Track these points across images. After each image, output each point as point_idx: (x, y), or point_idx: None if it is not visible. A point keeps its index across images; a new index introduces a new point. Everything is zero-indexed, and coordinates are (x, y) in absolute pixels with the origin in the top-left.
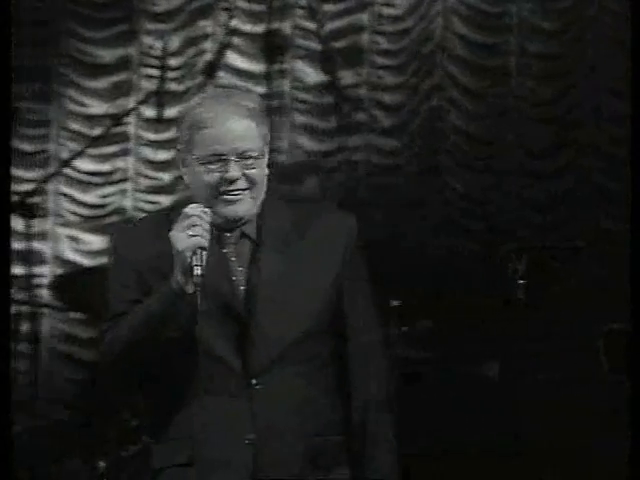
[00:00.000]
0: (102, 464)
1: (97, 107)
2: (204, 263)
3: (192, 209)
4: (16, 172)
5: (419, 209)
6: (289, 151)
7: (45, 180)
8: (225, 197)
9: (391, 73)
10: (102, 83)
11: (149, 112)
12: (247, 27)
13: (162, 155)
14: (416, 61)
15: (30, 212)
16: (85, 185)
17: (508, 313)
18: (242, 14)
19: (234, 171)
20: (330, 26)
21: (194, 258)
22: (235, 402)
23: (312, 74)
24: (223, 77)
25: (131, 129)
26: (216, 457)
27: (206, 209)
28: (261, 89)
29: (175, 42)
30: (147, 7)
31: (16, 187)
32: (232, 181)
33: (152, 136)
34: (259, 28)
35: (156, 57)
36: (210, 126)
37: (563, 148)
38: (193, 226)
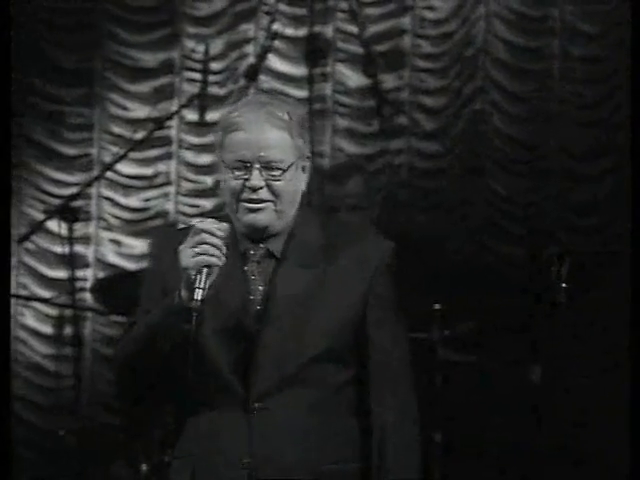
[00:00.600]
0: (145, 467)
1: (140, 111)
2: (207, 285)
3: (204, 224)
4: (59, 176)
5: (461, 212)
6: (331, 155)
7: (88, 184)
8: (247, 205)
9: (433, 76)
10: (145, 87)
11: (191, 116)
12: (289, 31)
13: (204, 158)
14: (458, 64)
15: (73, 216)
16: (127, 189)
17: (550, 317)
18: (284, 17)
19: (256, 179)
20: (372, 29)
21: (197, 278)
22: (234, 424)
23: (354, 77)
24: (265, 81)
25: (173, 133)
26: (213, 478)
27: (223, 224)
28: (303, 93)
29: (217, 46)
30: (189, 11)
31: (59, 191)
32: (254, 189)
33: (194, 139)
34: (301, 32)
35: (198, 61)
36: (239, 131)
37: (606, 151)
38: (201, 244)
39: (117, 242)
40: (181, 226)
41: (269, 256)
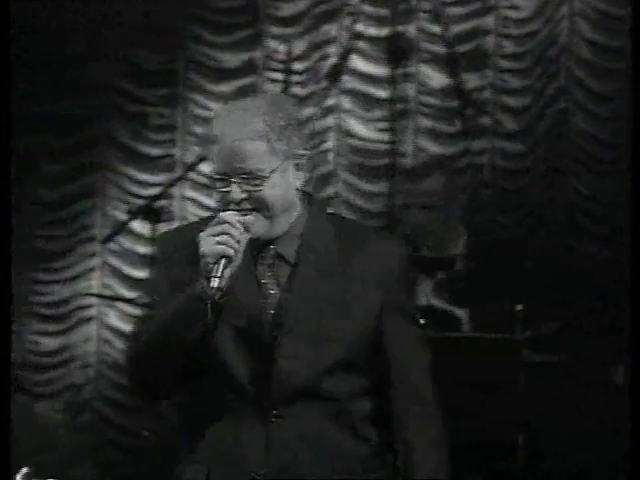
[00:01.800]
0: None
1: None
2: (225, 275)
3: (228, 215)
4: (143, 177)
5: (544, 212)
6: (413, 154)
7: (171, 184)
8: None
9: (516, 76)
10: (227, 87)
11: None
12: (372, 31)
13: None
14: (541, 64)
15: (156, 216)
16: (210, 189)
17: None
18: (367, 18)
19: (236, 192)
20: (455, 29)
21: (215, 267)
22: (249, 433)
23: (436, 78)
24: (347, 81)
25: None
26: None
27: (246, 217)
28: (385, 93)
29: (300, 46)
30: (272, 11)
31: (143, 191)
32: (236, 202)
33: None
34: (384, 32)
35: (281, 61)
36: (217, 142)
37: None
38: (222, 234)
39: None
40: (191, 221)
41: (281, 260)
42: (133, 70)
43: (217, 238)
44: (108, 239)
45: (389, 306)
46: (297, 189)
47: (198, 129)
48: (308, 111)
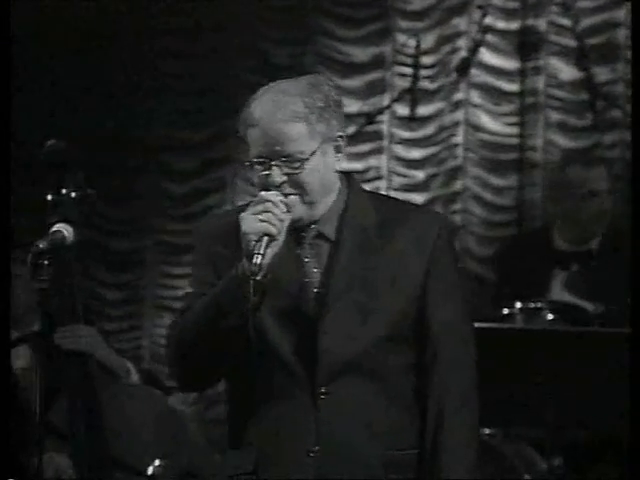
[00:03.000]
0: None
1: (351, 106)
2: (266, 252)
3: (270, 195)
4: None
5: None
6: (543, 148)
7: None
8: None
9: None
10: (356, 82)
11: (402, 110)
12: (501, 24)
13: (416, 153)
14: None
15: None
16: None
17: None
18: (496, 11)
19: (276, 176)
20: (585, 22)
21: (257, 245)
22: (300, 411)
23: (567, 71)
24: (476, 75)
25: (384, 127)
26: (279, 468)
27: (290, 197)
28: (514, 86)
29: (429, 40)
30: (401, 5)
31: None
32: (276, 186)
33: (405, 134)
34: (513, 25)
35: (409, 55)
36: (256, 125)
37: None
38: (265, 212)
39: None
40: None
41: (322, 239)
42: (262, 64)
43: (260, 216)
44: None
45: (432, 280)
46: (336, 171)
47: None
48: (437, 105)
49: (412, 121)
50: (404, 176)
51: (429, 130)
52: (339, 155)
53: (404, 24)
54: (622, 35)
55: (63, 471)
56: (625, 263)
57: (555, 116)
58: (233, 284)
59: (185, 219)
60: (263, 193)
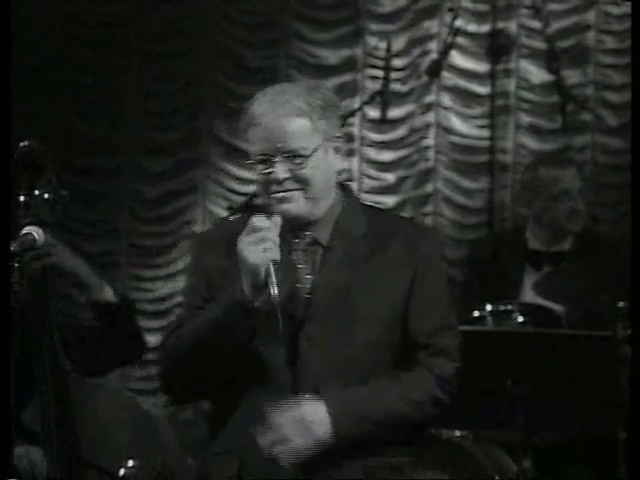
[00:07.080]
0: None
1: None
2: (277, 279)
3: (260, 221)
4: (243, 173)
5: None
6: (514, 151)
7: None
8: (276, 197)
9: (618, 72)
10: (327, 84)
11: (373, 113)
12: (472, 27)
13: (386, 156)
14: None
15: (256, 213)
16: None
17: None
18: (467, 14)
19: (279, 172)
20: (556, 25)
21: (266, 273)
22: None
23: (537, 74)
24: (447, 77)
25: (355, 130)
26: (261, 475)
27: (275, 218)
28: (485, 89)
29: (400, 42)
30: (372, 8)
31: (243, 188)
32: (279, 182)
33: (376, 137)
34: (484, 28)
35: (380, 58)
36: (258, 124)
37: None
38: (264, 240)
39: None
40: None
41: (315, 244)
42: (235, 66)
43: (261, 245)
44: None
45: (416, 290)
46: (337, 173)
47: None
48: (408, 108)
49: (383, 123)
50: (375, 179)
51: (400, 132)
52: (338, 156)
53: (375, 27)
54: (592, 38)
55: (35, 464)
56: (600, 264)
57: (525, 118)
58: (233, 311)
59: (157, 221)
60: (255, 221)
